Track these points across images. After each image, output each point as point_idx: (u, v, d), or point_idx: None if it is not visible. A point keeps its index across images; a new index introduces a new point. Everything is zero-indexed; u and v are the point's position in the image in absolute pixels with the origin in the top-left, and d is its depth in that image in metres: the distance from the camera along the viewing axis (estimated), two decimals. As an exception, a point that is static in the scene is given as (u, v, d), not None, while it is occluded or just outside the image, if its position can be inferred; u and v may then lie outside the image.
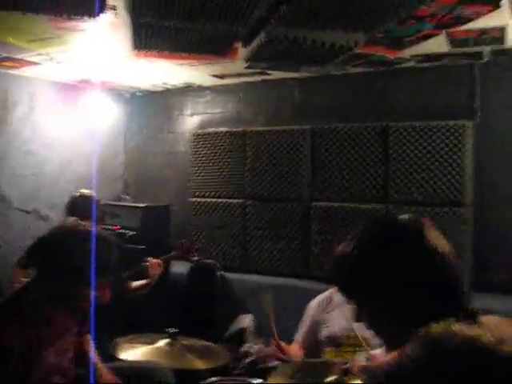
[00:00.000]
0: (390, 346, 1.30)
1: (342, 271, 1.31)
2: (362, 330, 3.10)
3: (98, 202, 3.90)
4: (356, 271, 1.26)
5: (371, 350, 3.06)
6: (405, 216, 1.29)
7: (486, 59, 3.75)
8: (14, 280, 3.58)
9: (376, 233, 1.29)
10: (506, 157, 3.79)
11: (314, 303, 3.34)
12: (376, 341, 3.05)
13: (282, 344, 3.03)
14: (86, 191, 3.94)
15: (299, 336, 3.34)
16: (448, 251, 1.23)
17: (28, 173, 4.62)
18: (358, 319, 1.33)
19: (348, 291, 1.32)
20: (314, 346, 3.31)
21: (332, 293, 3.32)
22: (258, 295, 4.33)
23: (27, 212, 4.59)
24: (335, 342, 3.15)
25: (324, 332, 3.22)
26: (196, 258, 3.93)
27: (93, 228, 2.25)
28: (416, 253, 1.21)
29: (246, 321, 4.31)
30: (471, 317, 1.14)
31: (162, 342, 2.81)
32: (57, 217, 4.68)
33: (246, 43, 3.27)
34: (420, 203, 3.90)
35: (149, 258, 3.62)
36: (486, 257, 3.82)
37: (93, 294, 2.08)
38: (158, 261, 3.61)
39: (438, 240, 1.23)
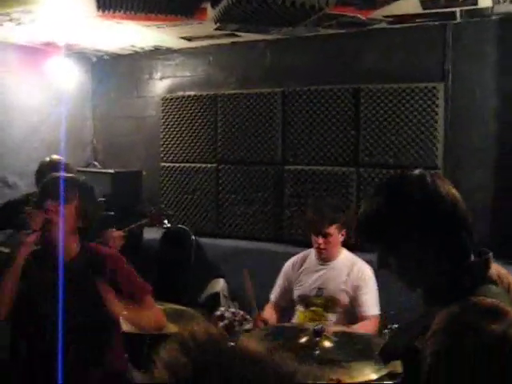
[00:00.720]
0: (411, 285, 1.45)
1: (374, 222, 1.42)
2: (331, 292, 3.16)
3: (69, 166, 3.80)
4: (386, 222, 1.39)
5: (340, 310, 3.13)
6: (416, 172, 1.42)
7: (458, 20, 3.73)
8: None
9: (398, 187, 1.42)
10: (477, 119, 3.81)
11: (289, 264, 3.40)
12: (345, 301, 3.13)
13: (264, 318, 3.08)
14: (55, 157, 3.85)
15: (273, 296, 3.39)
16: (457, 197, 1.38)
17: (-9, 139, 4.49)
18: (382, 265, 1.45)
19: (377, 238, 1.44)
20: (288, 305, 3.37)
21: (307, 254, 3.36)
22: (233, 260, 4.38)
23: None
24: (305, 301, 3.21)
25: (296, 291, 3.28)
26: (167, 225, 3.87)
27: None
28: (433, 199, 1.35)
29: (220, 285, 4.33)
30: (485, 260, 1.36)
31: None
32: (25, 185, 4.58)
33: (214, 3, 3.18)
34: (391, 166, 3.92)
35: (109, 230, 3.52)
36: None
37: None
38: (120, 233, 3.52)
39: (450, 190, 1.38)
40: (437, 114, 3.78)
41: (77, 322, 2.15)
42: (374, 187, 1.55)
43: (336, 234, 3.17)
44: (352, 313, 3.13)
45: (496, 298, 1.27)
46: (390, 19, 3.75)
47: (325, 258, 3.23)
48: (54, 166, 3.71)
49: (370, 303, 3.10)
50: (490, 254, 1.38)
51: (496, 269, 1.39)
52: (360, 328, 2.97)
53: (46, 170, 3.72)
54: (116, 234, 3.44)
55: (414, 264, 1.39)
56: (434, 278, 1.37)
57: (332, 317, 3.11)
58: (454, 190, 1.39)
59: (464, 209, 1.38)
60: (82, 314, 2.18)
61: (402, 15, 3.64)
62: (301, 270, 3.33)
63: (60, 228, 2.17)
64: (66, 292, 2.10)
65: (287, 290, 3.35)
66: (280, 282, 3.41)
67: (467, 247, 1.38)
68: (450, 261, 1.35)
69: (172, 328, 2.70)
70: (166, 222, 3.82)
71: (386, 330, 2.77)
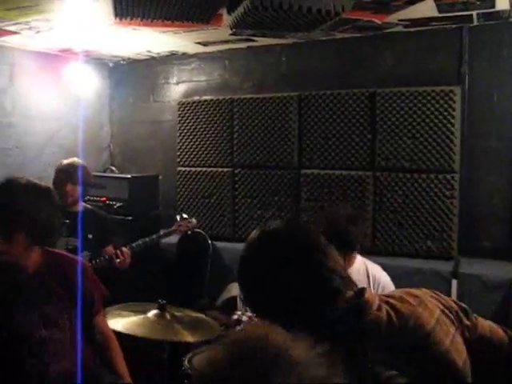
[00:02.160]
0: None
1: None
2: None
3: (86, 168, 3.83)
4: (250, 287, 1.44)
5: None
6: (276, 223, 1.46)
7: (475, 23, 3.71)
8: None
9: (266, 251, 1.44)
10: (494, 122, 3.78)
11: None
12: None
13: None
14: (75, 159, 3.87)
15: None
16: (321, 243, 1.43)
17: (12, 146, 4.54)
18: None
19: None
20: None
21: None
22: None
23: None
24: None
25: None
26: (189, 232, 3.89)
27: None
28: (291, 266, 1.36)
29: (237, 289, 4.34)
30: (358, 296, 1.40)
31: (151, 313, 2.81)
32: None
33: (230, 9, 3.19)
34: (408, 170, 3.90)
35: (110, 246, 3.58)
36: (474, 222, 3.85)
37: None
38: (127, 251, 3.53)
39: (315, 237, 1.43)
40: (453, 117, 3.76)
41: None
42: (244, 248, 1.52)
43: None
44: None
45: None
46: (406, 23, 3.73)
47: None
48: (72, 166, 3.73)
49: (389, 286, 3.10)
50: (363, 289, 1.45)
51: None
52: None
53: (66, 171, 3.73)
54: (124, 252, 3.49)
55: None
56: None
57: None
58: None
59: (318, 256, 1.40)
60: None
61: (418, 19, 3.62)
62: None
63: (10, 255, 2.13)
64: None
65: None
66: None
67: (329, 300, 1.38)
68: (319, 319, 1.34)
69: (188, 337, 2.70)
70: (190, 230, 3.84)
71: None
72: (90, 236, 3.59)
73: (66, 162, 3.79)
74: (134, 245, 3.59)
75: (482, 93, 3.79)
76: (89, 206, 3.85)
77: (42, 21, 3.63)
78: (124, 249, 3.53)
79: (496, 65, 3.74)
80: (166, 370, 2.87)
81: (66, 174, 3.67)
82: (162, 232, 3.70)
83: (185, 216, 3.85)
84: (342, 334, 1.28)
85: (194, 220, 3.89)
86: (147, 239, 3.64)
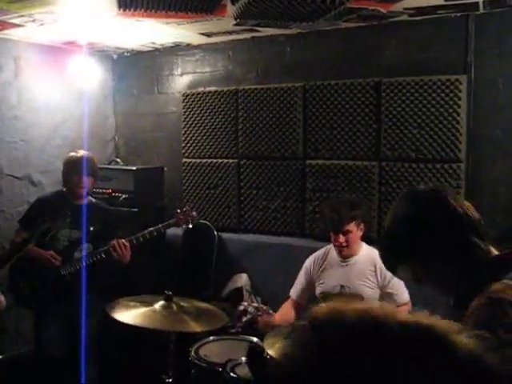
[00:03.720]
0: (444, 293, 1.56)
1: (392, 244, 1.54)
2: (355, 288, 3.15)
3: (93, 159, 3.83)
4: (405, 240, 1.49)
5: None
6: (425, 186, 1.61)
7: (481, 11, 3.68)
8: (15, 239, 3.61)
9: (413, 205, 1.53)
10: (500, 111, 3.76)
11: (310, 261, 3.40)
12: (374, 296, 3.12)
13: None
14: (83, 151, 3.88)
15: (293, 293, 3.39)
16: (468, 207, 1.50)
17: (17, 139, 4.55)
18: (417, 282, 1.54)
19: (405, 257, 1.52)
20: (309, 302, 3.37)
21: (327, 250, 3.36)
22: (255, 255, 4.39)
23: (18, 178, 4.55)
24: (328, 299, 3.20)
25: (318, 288, 3.28)
26: (190, 226, 3.88)
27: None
28: (453, 215, 1.46)
29: (242, 280, 4.36)
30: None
31: (158, 305, 2.83)
32: (49, 182, 4.65)
33: (234, 0, 3.19)
34: (413, 160, 3.89)
35: (119, 240, 3.51)
36: (479, 212, 3.82)
37: None
38: (123, 241, 3.50)
39: (459, 200, 1.51)
40: (459, 106, 3.74)
41: None
42: (393, 204, 1.64)
43: (355, 229, 3.16)
44: None
45: None
46: (412, 11, 3.70)
47: (346, 255, 3.23)
48: (81, 160, 3.73)
49: (401, 291, 3.11)
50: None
51: None
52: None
53: (72, 166, 3.73)
54: (119, 242, 3.47)
55: (442, 276, 1.49)
56: (462, 286, 1.46)
57: None
58: (467, 205, 1.51)
59: (479, 220, 1.50)
60: None
61: (424, 7, 3.59)
62: (322, 267, 3.32)
63: None
64: None
65: (308, 288, 3.35)
66: (301, 279, 3.40)
67: (482, 247, 1.46)
68: (467, 263, 1.44)
69: (195, 327, 2.71)
70: (191, 222, 3.83)
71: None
72: (92, 228, 3.60)
73: (74, 154, 3.80)
74: (132, 238, 3.58)
75: (488, 82, 3.77)
76: (92, 198, 3.86)
77: (46, 13, 3.62)
78: (122, 241, 3.52)
79: (502, 53, 3.71)
80: (172, 360, 2.89)
81: (75, 165, 3.68)
82: (160, 225, 3.68)
83: (185, 208, 3.83)
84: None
85: (194, 213, 3.87)
86: (146, 232, 3.63)
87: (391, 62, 4.07)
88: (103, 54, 5.29)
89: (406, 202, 1.57)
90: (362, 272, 3.18)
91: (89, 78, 5.00)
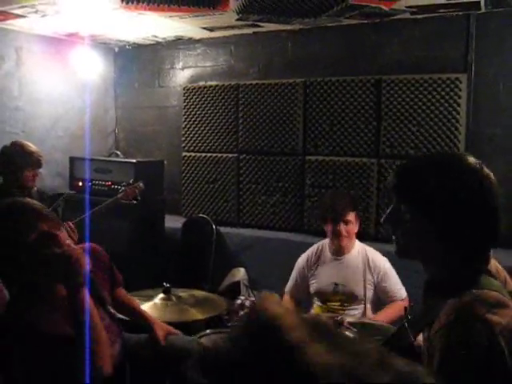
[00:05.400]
0: (407, 255, 1.46)
1: (406, 178, 1.42)
2: (349, 286, 3.14)
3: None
4: (420, 181, 1.37)
5: (356, 305, 3.12)
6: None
7: (483, 10, 3.69)
8: None
9: (453, 162, 1.42)
10: (500, 110, 3.77)
11: (303, 258, 3.37)
12: (368, 294, 3.13)
13: None
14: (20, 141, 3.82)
15: (288, 289, 3.38)
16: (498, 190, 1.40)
17: (18, 130, 4.56)
18: (388, 219, 1.44)
19: (409, 193, 1.40)
20: (305, 298, 3.37)
21: (320, 247, 3.33)
22: (253, 250, 4.41)
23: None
24: (323, 297, 3.20)
25: (312, 286, 3.27)
26: (135, 202, 3.78)
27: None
28: (484, 192, 1.36)
29: (240, 274, 4.37)
30: None
31: (157, 298, 2.85)
32: (49, 174, 4.66)
33: (237, -5, 3.20)
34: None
35: (68, 222, 3.26)
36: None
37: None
38: (70, 224, 3.28)
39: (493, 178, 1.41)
40: (459, 105, 3.76)
41: None
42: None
43: (354, 221, 3.14)
44: (377, 304, 3.13)
45: (497, 291, 1.28)
46: (413, 9, 3.72)
47: (340, 252, 3.18)
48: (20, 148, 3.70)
49: (398, 287, 3.09)
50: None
51: (493, 263, 1.44)
52: (393, 309, 2.97)
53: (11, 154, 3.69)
54: (67, 224, 3.22)
55: (425, 237, 1.36)
56: (439, 268, 1.37)
57: (352, 311, 3.10)
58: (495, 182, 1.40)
59: (497, 202, 1.39)
60: None
61: (426, 5, 3.61)
62: (316, 264, 3.28)
63: None
64: None
65: (301, 284, 3.32)
66: (294, 275, 3.38)
67: (487, 245, 1.39)
68: (462, 252, 1.35)
69: (196, 315, 2.74)
70: (138, 195, 3.73)
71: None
72: None
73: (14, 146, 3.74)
74: (74, 221, 3.38)
75: (488, 81, 3.79)
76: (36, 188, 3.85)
77: (49, 4, 3.63)
78: (69, 223, 3.29)
79: (503, 53, 3.73)
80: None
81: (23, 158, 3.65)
82: (103, 204, 3.62)
83: (132, 181, 3.77)
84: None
85: (141, 184, 3.81)
86: (89, 212, 3.54)
87: (392, 59, 4.09)
88: (105, 47, 5.30)
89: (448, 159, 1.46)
90: (355, 269, 3.14)
91: (90, 71, 5.01)
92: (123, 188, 3.74)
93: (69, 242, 1.94)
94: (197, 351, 2.36)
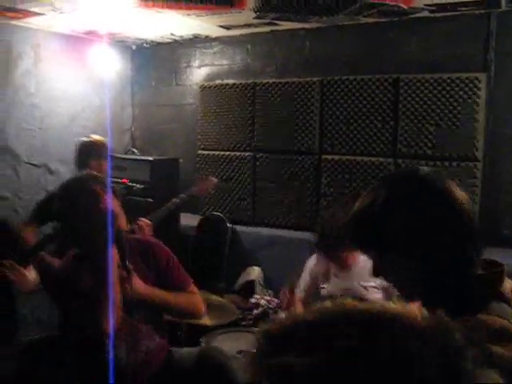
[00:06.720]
0: (409, 297, 1.31)
1: (364, 225, 1.26)
2: (359, 292, 3.10)
3: (105, 142, 3.83)
4: (380, 224, 1.21)
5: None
6: (425, 170, 1.26)
7: (503, 8, 3.63)
8: (26, 240, 3.52)
9: (402, 185, 1.26)
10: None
11: (312, 260, 3.33)
12: (378, 296, 3.09)
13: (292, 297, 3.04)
14: (96, 136, 3.88)
15: (300, 292, 3.33)
16: (466, 202, 1.23)
17: (35, 127, 4.59)
18: (376, 273, 1.31)
19: (368, 245, 1.28)
20: (316, 301, 3.31)
21: None
22: (268, 249, 4.39)
23: (36, 166, 4.59)
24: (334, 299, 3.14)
25: (324, 290, 3.22)
26: (212, 192, 3.81)
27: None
28: (442, 206, 1.20)
29: (255, 273, 4.36)
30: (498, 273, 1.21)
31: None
32: (66, 171, 4.69)
33: (254, -8, 3.18)
34: (430, 157, 3.86)
35: (141, 219, 3.41)
36: (495, 211, 3.80)
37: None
38: (146, 221, 3.40)
39: (457, 191, 1.23)
40: (478, 105, 3.71)
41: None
42: (376, 182, 1.31)
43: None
44: None
45: (508, 319, 1.13)
46: (432, 8, 3.67)
47: (346, 268, 3.14)
48: (96, 144, 3.73)
49: None
50: (504, 266, 1.24)
51: (510, 283, 1.24)
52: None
53: (90, 150, 3.72)
54: (142, 222, 3.37)
55: (411, 275, 1.24)
56: (435, 292, 1.23)
57: None
58: (464, 196, 1.24)
59: (472, 217, 1.23)
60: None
61: (445, 4, 3.56)
62: (324, 269, 3.22)
63: None
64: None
65: (313, 287, 3.27)
66: (305, 278, 3.32)
67: (472, 259, 1.23)
68: (452, 274, 1.21)
69: (206, 320, 2.72)
70: (213, 189, 3.77)
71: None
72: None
73: (87, 139, 3.80)
74: (149, 217, 3.51)
75: (508, 80, 3.73)
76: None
77: (66, 2, 3.64)
78: (145, 220, 3.40)
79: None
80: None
81: (90, 150, 3.67)
82: (175, 199, 3.64)
83: (202, 176, 3.78)
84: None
85: (214, 178, 3.83)
86: (164, 208, 3.61)
87: (410, 58, 4.04)
88: (123, 45, 5.31)
89: (395, 177, 1.33)
90: (363, 273, 3.08)
91: (108, 68, 5.03)
92: (195, 183, 3.77)
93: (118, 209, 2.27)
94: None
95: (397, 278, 1.29)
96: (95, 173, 2.51)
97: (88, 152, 3.70)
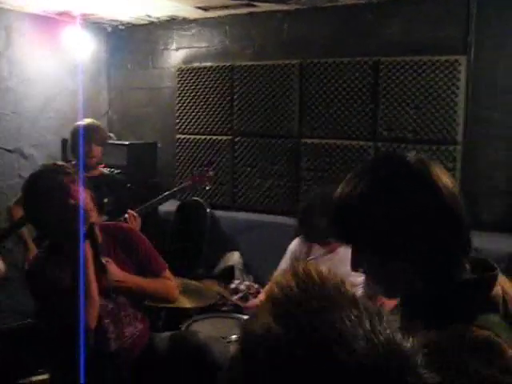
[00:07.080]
0: (389, 293, 1.26)
1: (343, 217, 1.18)
2: (342, 276, 3.08)
3: (101, 127, 3.75)
4: (361, 214, 1.13)
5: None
6: (411, 155, 1.16)
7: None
8: (13, 217, 3.50)
9: (384, 173, 1.14)
10: (499, 94, 3.72)
11: (295, 243, 3.30)
12: (356, 283, 3.08)
13: None
14: (91, 120, 3.78)
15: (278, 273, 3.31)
16: (456, 191, 1.14)
17: (8, 111, 4.47)
18: (355, 266, 1.24)
19: (348, 236, 1.21)
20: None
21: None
22: (248, 234, 4.36)
23: (9, 151, 4.48)
24: None
25: None
26: (208, 187, 3.78)
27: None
28: (426, 194, 1.10)
29: (235, 258, 4.34)
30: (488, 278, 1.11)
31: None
32: (41, 156, 4.59)
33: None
34: (410, 141, 3.86)
35: (129, 211, 3.39)
36: (475, 195, 3.81)
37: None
38: (133, 213, 3.38)
39: (446, 180, 1.13)
40: (458, 87, 3.70)
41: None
42: (359, 167, 1.21)
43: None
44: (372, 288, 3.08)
45: (493, 331, 1.02)
46: (412, -11, 3.65)
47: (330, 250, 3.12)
48: (91, 129, 3.64)
49: None
50: (497, 271, 1.13)
51: (503, 285, 1.12)
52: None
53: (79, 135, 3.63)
54: (130, 213, 3.38)
55: (391, 271, 1.15)
56: (416, 292, 1.15)
57: None
58: (452, 182, 1.14)
59: (462, 206, 1.14)
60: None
61: (425, -15, 3.53)
62: (308, 253, 3.21)
63: None
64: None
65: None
66: (286, 262, 3.30)
67: (459, 259, 1.14)
68: (437, 273, 1.12)
69: (186, 303, 2.71)
70: (208, 183, 3.75)
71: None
72: (106, 200, 3.52)
73: (82, 123, 3.69)
74: (142, 208, 3.52)
75: (487, 63, 3.72)
76: (103, 169, 3.81)
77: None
78: (132, 212, 3.39)
79: (503, 35, 3.66)
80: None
81: (86, 134, 3.58)
82: (166, 193, 3.61)
83: (200, 168, 3.74)
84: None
85: (210, 171, 3.81)
86: (154, 201, 3.59)
87: (390, 41, 4.01)
88: (97, 27, 5.19)
89: (377, 165, 1.20)
90: (347, 258, 3.06)
91: (82, 51, 4.90)
92: (190, 175, 3.72)
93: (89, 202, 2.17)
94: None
95: (376, 273, 1.21)
96: (63, 163, 2.41)
97: (78, 137, 3.62)
